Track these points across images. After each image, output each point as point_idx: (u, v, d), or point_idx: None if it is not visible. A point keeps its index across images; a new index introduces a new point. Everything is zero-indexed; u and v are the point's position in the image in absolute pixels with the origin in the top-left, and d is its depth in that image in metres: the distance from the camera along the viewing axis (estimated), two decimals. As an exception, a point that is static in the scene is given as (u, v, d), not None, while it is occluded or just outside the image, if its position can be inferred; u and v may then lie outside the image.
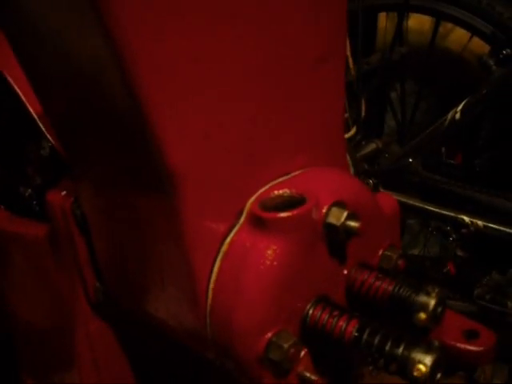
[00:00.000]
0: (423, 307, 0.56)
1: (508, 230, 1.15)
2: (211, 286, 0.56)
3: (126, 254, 0.70)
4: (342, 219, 0.55)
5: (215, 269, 0.56)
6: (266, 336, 0.54)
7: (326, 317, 0.56)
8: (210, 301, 0.56)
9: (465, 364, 0.58)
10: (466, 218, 1.18)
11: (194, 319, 0.59)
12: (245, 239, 0.55)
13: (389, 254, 0.64)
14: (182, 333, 0.65)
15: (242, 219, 0.56)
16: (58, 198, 0.77)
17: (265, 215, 0.54)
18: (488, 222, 1.17)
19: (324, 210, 0.56)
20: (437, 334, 0.58)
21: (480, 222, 1.17)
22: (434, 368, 0.49)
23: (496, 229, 1.16)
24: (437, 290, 0.56)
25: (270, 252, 0.54)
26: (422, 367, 0.49)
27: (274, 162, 0.60)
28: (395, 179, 1.26)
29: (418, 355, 0.50)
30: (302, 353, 0.57)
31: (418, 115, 1.59)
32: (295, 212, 0.54)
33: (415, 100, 1.51)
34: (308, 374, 0.57)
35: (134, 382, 0.88)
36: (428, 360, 0.49)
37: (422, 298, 0.56)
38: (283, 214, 0.54)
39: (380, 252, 0.65)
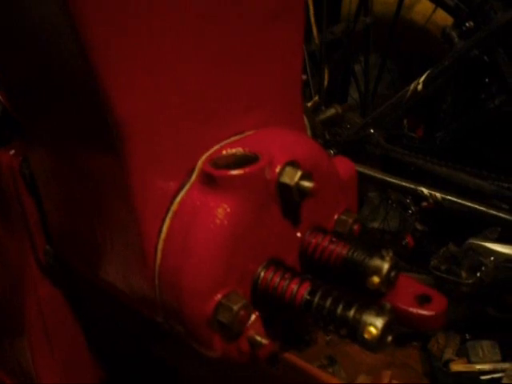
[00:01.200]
0: (376, 271, 0.55)
1: (465, 202, 1.16)
2: (160, 245, 0.54)
3: (75, 215, 0.67)
4: (296, 179, 0.53)
5: (164, 228, 0.54)
6: (215, 297, 0.52)
7: (278, 279, 0.55)
8: (158, 261, 0.54)
9: (417, 328, 0.57)
10: (425, 190, 1.18)
11: (143, 280, 0.57)
12: (195, 198, 0.53)
13: (344, 218, 0.63)
14: (131, 295, 0.63)
15: (193, 178, 0.54)
16: (5, 158, 0.74)
17: (216, 173, 0.52)
18: (446, 195, 1.17)
19: (277, 170, 0.54)
20: (390, 298, 0.57)
21: (438, 195, 1.18)
22: (384, 331, 0.48)
23: (454, 201, 1.17)
24: (391, 254, 0.55)
25: (220, 211, 0.52)
26: (372, 330, 0.48)
27: (228, 120, 0.58)
28: (356, 150, 1.25)
29: (368, 318, 0.49)
30: (253, 316, 0.56)
31: (381, 88, 1.59)
32: (247, 170, 0.52)
33: (378, 72, 1.50)
34: (259, 338, 0.56)
35: (85, 348, 0.86)
36: (379, 322, 0.48)
37: (376, 262, 0.55)
38: (234, 172, 0.52)
39: (335, 216, 0.63)
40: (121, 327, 0.92)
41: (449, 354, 1.33)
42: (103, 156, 0.56)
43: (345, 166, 0.67)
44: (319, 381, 0.90)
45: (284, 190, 0.54)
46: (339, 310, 0.51)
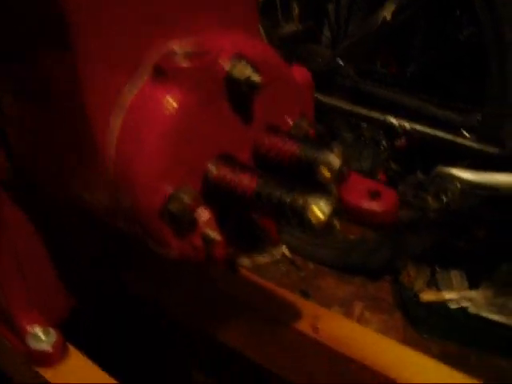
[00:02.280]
0: (328, 164, 0.55)
1: (433, 131, 1.17)
2: (112, 141, 0.54)
3: (33, 127, 0.67)
4: (245, 72, 0.54)
5: (116, 124, 0.54)
6: (166, 189, 0.53)
7: (228, 174, 0.55)
8: (111, 157, 0.54)
9: (369, 224, 0.58)
10: (394, 120, 1.19)
11: (99, 180, 0.57)
12: (146, 92, 0.53)
13: (299, 121, 0.64)
14: (92, 201, 0.63)
15: (144, 72, 0.54)
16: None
17: (166, 66, 0.52)
18: (414, 124, 1.18)
19: (226, 63, 0.54)
20: (342, 194, 0.58)
21: (407, 124, 1.18)
22: (330, 212, 0.49)
23: (421, 131, 1.18)
24: (342, 149, 0.56)
25: (169, 103, 0.52)
26: (317, 212, 0.49)
27: (179, 19, 0.58)
28: (326, 82, 1.25)
29: (313, 200, 0.50)
30: (205, 212, 0.57)
31: (353, 27, 1.57)
32: (196, 63, 0.52)
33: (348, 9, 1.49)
34: (211, 234, 0.56)
35: (57, 276, 0.87)
36: (323, 204, 0.49)
37: (327, 156, 0.56)
38: (184, 65, 0.52)
39: (290, 121, 0.64)
40: (92, 251, 0.93)
41: (419, 284, 1.36)
42: (55, 54, 0.56)
43: (301, 73, 0.67)
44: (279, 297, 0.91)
45: (233, 83, 0.54)
46: (288, 198, 0.52)
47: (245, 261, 0.76)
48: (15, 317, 0.81)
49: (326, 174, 0.55)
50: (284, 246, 1.52)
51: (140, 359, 1.09)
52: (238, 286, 0.93)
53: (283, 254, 1.52)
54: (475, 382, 0.77)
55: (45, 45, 0.56)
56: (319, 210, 0.49)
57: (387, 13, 1.18)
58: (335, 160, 0.55)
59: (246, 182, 0.54)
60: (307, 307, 0.89)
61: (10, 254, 0.82)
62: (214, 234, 0.56)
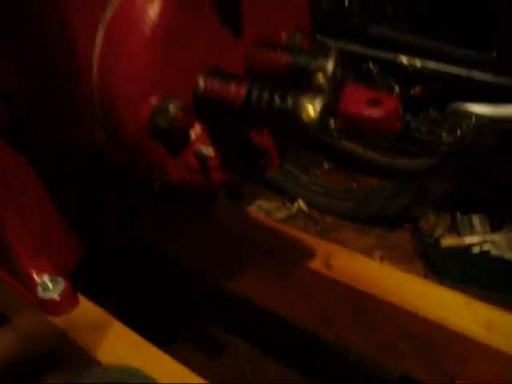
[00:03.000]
0: (321, 69, 0.52)
1: (446, 67, 1.13)
2: (95, 57, 0.52)
3: (21, 60, 0.64)
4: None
5: (98, 39, 0.52)
6: (150, 100, 0.50)
7: (217, 85, 0.52)
8: (95, 74, 0.52)
9: (372, 133, 0.55)
10: (404, 59, 1.15)
11: (86, 106, 0.55)
12: (126, 2, 0.51)
13: (293, 35, 0.61)
14: (81, 135, 0.61)
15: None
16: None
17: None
18: (426, 62, 1.14)
19: (210, -33, 0.51)
20: (340, 105, 0.55)
21: (418, 62, 1.14)
22: (322, 110, 0.46)
23: (433, 68, 1.13)
24: (336, 53, 0.53)
25: (151, 9, 0.49)
26: (310, 110, 0.46)
27: None
28: (331, 24, 1.21)
29: (305, 99, 0.47)
30: (197, 127, 0.54)
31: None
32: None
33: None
34: (205, 150, 0.54)
35: (57, 218, 0.85)
36: (316, 102, 0.46)
37: (321, 61, 0.53)
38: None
39: (283, 34, 0.61)
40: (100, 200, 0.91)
41: (440, 231, 1.32)
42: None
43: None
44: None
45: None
46: (277, 100, 0.49)
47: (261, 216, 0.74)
48: (23, 266, 0.81)
49: (320, 78, 0.52)
50: (300, 200, 1.49)
51: (151, 308, 1.08)
52: (246, 228, 0.90)
53: (300, 209, 1.49)
54: (494, 309, 0.74)
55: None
56: (310, 106, 0.46)
57: None
58: (329, 64, 0.53)
59: (235, 89, 0.51)
60: (319, 245, 0.87)
61: (15, 203, 0.81)
62: (208, 150, 0.54)
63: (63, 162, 0.83)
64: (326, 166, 1.60)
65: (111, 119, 0.53)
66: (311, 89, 0.53)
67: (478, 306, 0.75)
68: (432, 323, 0.75)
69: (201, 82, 0.53)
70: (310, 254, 0.85)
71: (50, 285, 0.79)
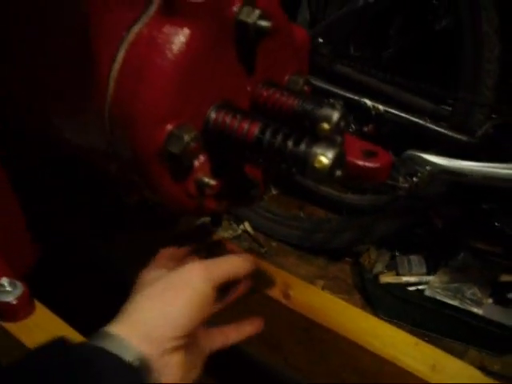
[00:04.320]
0: (327, 118, 0.56)
1: (406, 115, 1.19)
2: (113, 74, 0.53)
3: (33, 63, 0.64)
4: (254, 17, 0.53)
5: (119, 57, 0.53)
6: (167, 127, 0.52)
7: (230, 119, 0.55)
8: (111, 91, 0.53)
9: (365, 180, 0.59)
10: (368, 102, 1.20)
11: (94, 115, 0.55)
12: (153, 27, 0.52)
13: (296, 78, 0.64)
14: (82, 141, 0.62)
15: (153, 7, 0.53)
16: None
17: None
18: (388, 107, 1.20)
19: (235, 8, 0.54)
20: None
21: (381, 107, 1.20)
22: (335, 161, 0.50)
23: (395, 114, 1.20)
24: (341, 104, 0.57)
25: (178, 38, 0.51)
26: (323, 159, 0.49)
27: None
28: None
29: (319, 149, 0.50)
30: (202, 157, 0.56)
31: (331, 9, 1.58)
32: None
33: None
34: (206, 179, 0.56)
35: (20, 216, 0.84)
36: (330, 153, 0.49)
37: (326, 110, 0.56)
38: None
39: (287, 77, 0.64)
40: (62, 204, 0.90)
41: (379, 267, 1.39)
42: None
43: (299, 32, 0.67)
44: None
45: (242, 27, 0.54)
46: (290, 144, 0.52)
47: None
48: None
49: (325, 126, 0.56)
50: (247, 223, 1.52)
51: (107, 315, 1.07)
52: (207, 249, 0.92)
53: (246, 231, 1.52)
54: (439, 352, 0.79)
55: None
56: (325, 157, 0.49)
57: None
58: (335, 114, 0.56)
59: (247, 126, 0.54)
60: (278, 274, 0.89)
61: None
62: (210, 180, 0.56)
63: (30, 163, 0.82)
64: (274, 191, 1.64)
65: (121, 139, 0.54)
66: (315, 134, 0.56)
67: (426, 348, 0.80)
68: (381, 359, 0.79)
69: (212, 114, 0.55)
70: (269, 282, 0.88)
71: (7, 287, 0.77)
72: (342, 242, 1.43)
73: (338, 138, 0.51)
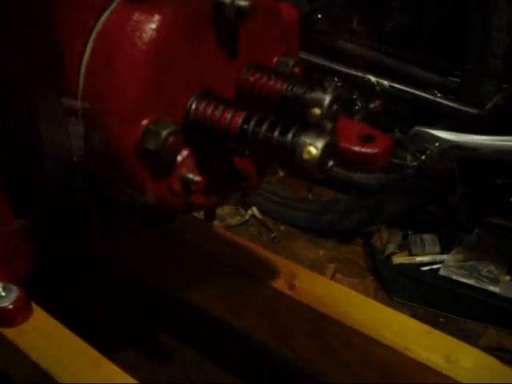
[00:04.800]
0: (318, 103, 0.51)
1: (411, 90, 1.14)
2: (82, 68, 0.49)
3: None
4: (232, -4, 0.49)
5: (87, 50, 0.49)
6: (142, 122, 0.48)
7: (211, 109, 0.50)
8: (81, 86, 0.49)
9: (362, 167, 0.54)
10: (372, 78, 1.15)
11: (68, 112, 0.52)
12: (121, 15, 0.48)
13: (285, 59, 0.59)
14: (58, 139, 0.58)
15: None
16: None
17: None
18: (393, 83, 1.15)
19: (212, -14, 0.49)
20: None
21: (386, 82, 1.15)
22: (325, 151, 0.45)
23: (400, 89, 1.15)
24: (333, 86, 0.52)
25: (147, 26, 0.47)
26: (312, 149, 0.45)
27: None
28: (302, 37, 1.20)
29: (308, 138, 0.46)
30: (184, 152, 0.52)
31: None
32: (178, -19, 0.47)
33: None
34: (191, 176, 0.52)
35: (14, 221, 0.81)
36: (319, 142, 0.45)
37: (317, 94, 0.52)
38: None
39: (275, 58, 0.59)
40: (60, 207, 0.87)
41: (391, 248, 1.34)
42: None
43: (287, 10, 0.63)
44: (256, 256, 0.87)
45: (219, 8, 0.49)
46: (276, 133, 0.47)
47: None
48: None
49: (316, 112, 0.51)
50: (254, 208, 1.48)
51: (106, 319, 1.05)
52: (210, 243, 0.88)
53: (254, 216, 1.48)
54: (454, 341, 0.76)
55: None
56: (314, 147, 0.45)
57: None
58: (326, 98, 0.51)
59: (230, 116, 0.49)
60: (282, 264, 0.86)
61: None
62: (193, 175, 0.52)
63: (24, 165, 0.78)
64: (281, 173, 1.60)
65: (96, 135, 0.50)
66: (306, 121, 0.51)
67: (439, 337, 0.76)
68: (392, 350, 0.75)
69: (193, 105, 0.51)
70: (274, 273, 0.84)
71: (1, 292, 0.75)
72: (351, 223, 1.39)
73: (329, 125, 0.47)
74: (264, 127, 0.48)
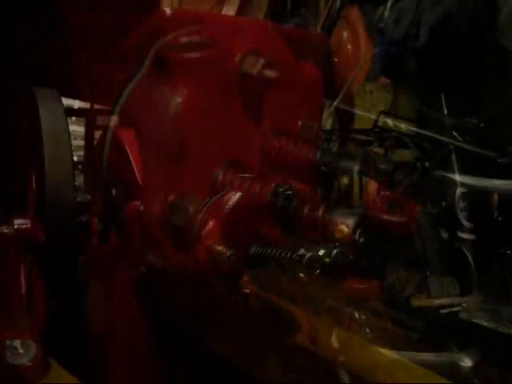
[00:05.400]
0: (346, 171, 0.50)
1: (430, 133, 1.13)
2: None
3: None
4: (258, 67, 0.48)
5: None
6: (167, 196, 0.47)
7: (238, 181, 0.49)
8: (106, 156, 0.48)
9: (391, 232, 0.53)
10: (390, 121, 1.14)
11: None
12: (146, 87, 0.47)
13: (309, 123, 0.58)
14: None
15: (146, 64, 0.48)
16: None
17: (169, 56, 0.46)
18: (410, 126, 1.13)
19: (237, 58, 0.48)
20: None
21: (403, 125, 1.14)
22: (355, 230, 0.44)
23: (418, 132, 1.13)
24: (361, 155, 0.51)
25: (173, 98, 0.46)
26: (344, 228, 0.44)
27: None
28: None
29: (339, 218, 0.44)
30: (210, 223, 0.51)
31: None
32: (204, 53, 0.46)
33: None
34: (216, 246, 0.51)
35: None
36: (350, 222, 0.44)
37: (346, 163, 0.51)
38: (190, 55, 0.46)
39: (299, 122, 0.58)
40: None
41: (410, 290, 1.32)
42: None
43: (310, 70, 0.62)
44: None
45: (247, 78, 0.48)
46: (306, 209, 0.46)
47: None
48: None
49: (345, 180, 0.50)
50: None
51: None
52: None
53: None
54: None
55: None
56: (345, 226, 0.44)
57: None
58: (355, 167, 0.50)
59: (258, 187, 0.49)
60: (305, 318, 0.84)
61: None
62: (218, 246, 0.50)
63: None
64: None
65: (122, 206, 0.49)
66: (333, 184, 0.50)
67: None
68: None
69: (219, 176, 0.50)
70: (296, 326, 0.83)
71: (20, 350, 0.74)
72: (369, 263, 1.37)
73: (358, 207, 0.46)
74: (294, 201, 0.47)
